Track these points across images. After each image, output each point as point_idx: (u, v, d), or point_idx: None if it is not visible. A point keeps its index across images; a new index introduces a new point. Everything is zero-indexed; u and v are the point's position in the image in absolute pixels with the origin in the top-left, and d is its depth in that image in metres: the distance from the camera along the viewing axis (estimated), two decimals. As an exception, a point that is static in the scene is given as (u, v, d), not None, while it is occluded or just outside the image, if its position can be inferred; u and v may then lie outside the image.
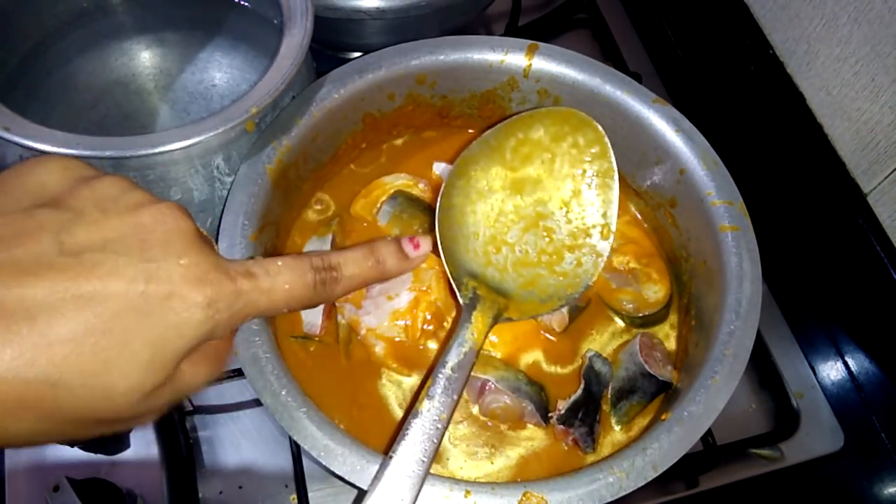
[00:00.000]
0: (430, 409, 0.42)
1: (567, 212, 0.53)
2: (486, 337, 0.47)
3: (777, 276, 0.61)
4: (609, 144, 0.52)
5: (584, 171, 0.53)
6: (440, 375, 0.43)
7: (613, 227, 0.52)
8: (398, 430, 0.41)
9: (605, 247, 0.52)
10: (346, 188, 0.59)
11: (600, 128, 0.52)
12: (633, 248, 0.57)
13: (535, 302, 0.51)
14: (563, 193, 0.53)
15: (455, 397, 0.43)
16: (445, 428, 0.41)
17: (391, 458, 0.40)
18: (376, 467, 0.41)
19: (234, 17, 0.58)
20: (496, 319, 0.48)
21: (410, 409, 0.43)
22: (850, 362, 0.62)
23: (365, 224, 0.57)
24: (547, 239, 0.52)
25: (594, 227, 0.52)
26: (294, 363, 0.50)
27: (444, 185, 0.52)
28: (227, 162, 0.48)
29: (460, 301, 0.49)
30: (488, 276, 0.51)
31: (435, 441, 0.41)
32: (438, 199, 0.51)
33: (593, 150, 0.52)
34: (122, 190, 0.31)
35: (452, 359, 0.44)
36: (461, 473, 0.49)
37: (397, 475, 0.39)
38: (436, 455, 0.41)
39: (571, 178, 0.53)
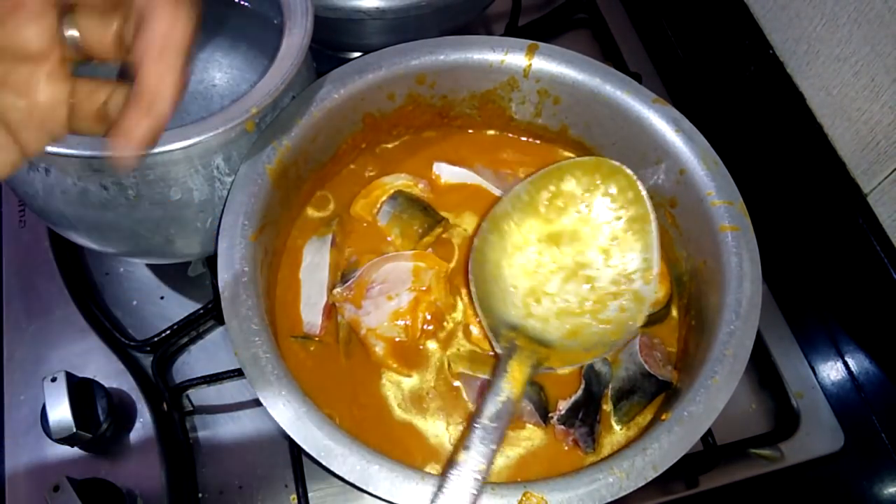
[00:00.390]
0: (467, 461, 0.41)
1: (607, 259, 0.53)
2: (524, 387, 0.47)
3: (777, 276, 0.61)
4: (642, 189, 0.52)
5: (620, 218, 0.53)
6: (477, 426, 0.43)
7: (656, 271, 0.51)
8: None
9: (648, 292, 0.51)
10: (346, 188, 0.59)
11: (631, 173, 0.52)
12: (633, 249, 0.57)
13: (579, 351, 0.51)
14: (601, 242, 0.53)
15: (493, 447, 0.42)
16: (484, 479, 0.41)
17: None
18: (376, 467, 0.41)
19: (234, 17, 0.58)
20: (535, 369, 0.48)
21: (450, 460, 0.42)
22: (850, 362, 0.62)
23: (365, 224, 0.57)
24: (589, 287, 0.52)
25: (635, 272, 0.52)
26: (294, 363, 0.50)
27: (476, 240, 0.52)
28: (227, 162, 0.48)
29: (497, 351, 0.49)
30: (529, 327, 0.51)
31: (475, 493, 0.40)
32: (471, 254, 0.51)
33: (627, 197, 0.52)
34: None
35: (489, 409, 0.44)
36: (461, 473, 0.49)
37: None
38: None
39: (608, 226, 0.53)
